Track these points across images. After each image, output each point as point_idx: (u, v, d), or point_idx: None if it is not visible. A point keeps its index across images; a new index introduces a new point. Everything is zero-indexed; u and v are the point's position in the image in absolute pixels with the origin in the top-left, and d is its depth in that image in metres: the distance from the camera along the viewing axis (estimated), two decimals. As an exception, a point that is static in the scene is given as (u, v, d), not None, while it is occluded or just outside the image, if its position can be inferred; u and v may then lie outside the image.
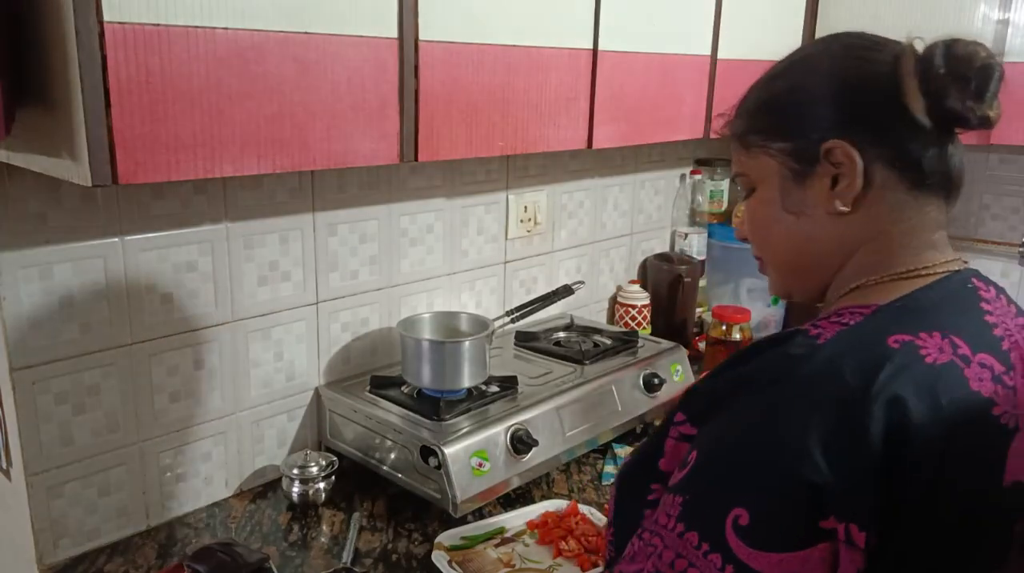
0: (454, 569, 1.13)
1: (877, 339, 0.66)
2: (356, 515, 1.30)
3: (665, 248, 2.23)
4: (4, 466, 1.19)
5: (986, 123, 0.71)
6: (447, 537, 1.21)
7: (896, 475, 0.61)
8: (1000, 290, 0.76)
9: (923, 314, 0.69)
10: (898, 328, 0.67)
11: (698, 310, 2.14)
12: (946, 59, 0.70)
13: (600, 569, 1.15)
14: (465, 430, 1.29)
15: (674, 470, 0.70)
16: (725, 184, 2.27)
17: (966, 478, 0.64)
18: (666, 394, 1.63)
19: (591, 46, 1.34)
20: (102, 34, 0.78)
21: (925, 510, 0.62)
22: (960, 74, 0.69)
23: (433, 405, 1.35)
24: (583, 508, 1.29)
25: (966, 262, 0.77)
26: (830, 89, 0.75)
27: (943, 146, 0.73)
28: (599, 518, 1.27)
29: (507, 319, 1.54)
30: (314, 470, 1.32)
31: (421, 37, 1.07)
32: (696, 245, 2.15)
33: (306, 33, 0.95)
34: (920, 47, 0.72)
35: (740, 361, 0.72)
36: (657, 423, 1.63)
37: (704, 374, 0.74)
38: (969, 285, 0.73)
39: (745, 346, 0.73)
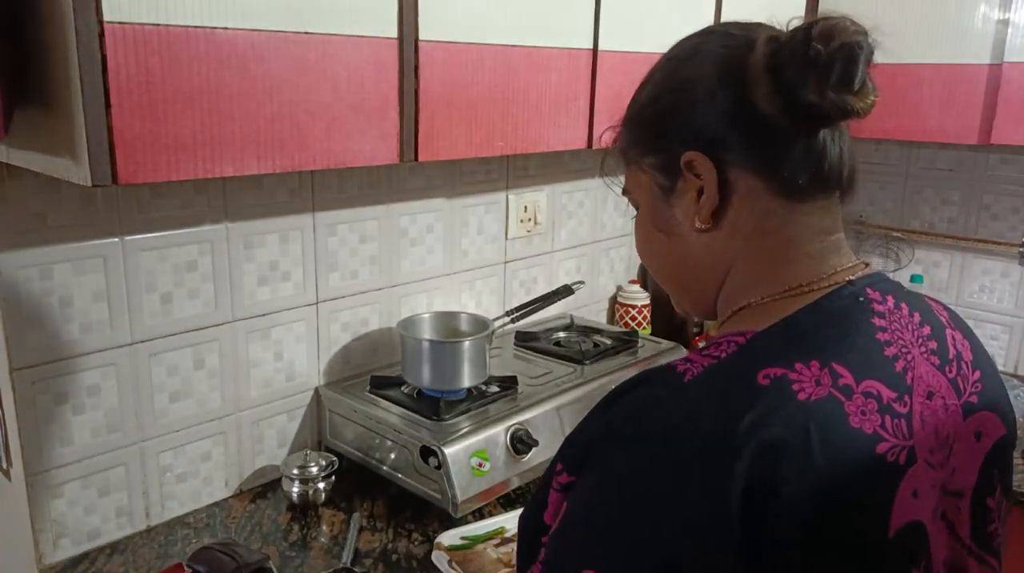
0: (454, 569, 1.13)
1: (745, 376, 0.58)
2: (356, 515, 1.30)
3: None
4: (4, 466, 1.19)
5: (852, 114, 0.61)
6: (447, 537, 1.21)
7: (765, 536, 0.54)
8: (902, 298, 0.67)
9: (801, 340, 0.61)
10: (770, 361, 0.59)
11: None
12: (803, 43, 0.60)
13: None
14: (465, 430, 1.29)
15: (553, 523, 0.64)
16: (725, 184, 2.27)
17: (845, 531, 0.57)
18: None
19: (591, 46, 1.34)
20: (102, 34, 0.78)
21: (797, 559, 0.55)
22: (817, 60, 0.60)
23: (433, 405, 1.35)
24: (583, 508, 1.29)
25: (867, 264, 0.69)
26: (689, 95, 0.67)
27: (812, 144, 0.64)
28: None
29: (507, 319, 1.54)
30: (314, 470, 1.32)
31: (421, 37, 1.07)
32: (696, 245, 2.15)
33: (306, 33, 0.95)
34: (793, 27, 0.64)
35: (608, 405, 0.64)
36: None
37: (583, 418, 0.68)
38: (861, 298, 0.64)
39: (619, 384, 0.67)
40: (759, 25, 0.68)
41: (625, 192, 0.78)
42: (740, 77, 0.64)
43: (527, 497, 1.36)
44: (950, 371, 0.66)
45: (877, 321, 0.63)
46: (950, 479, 0.64)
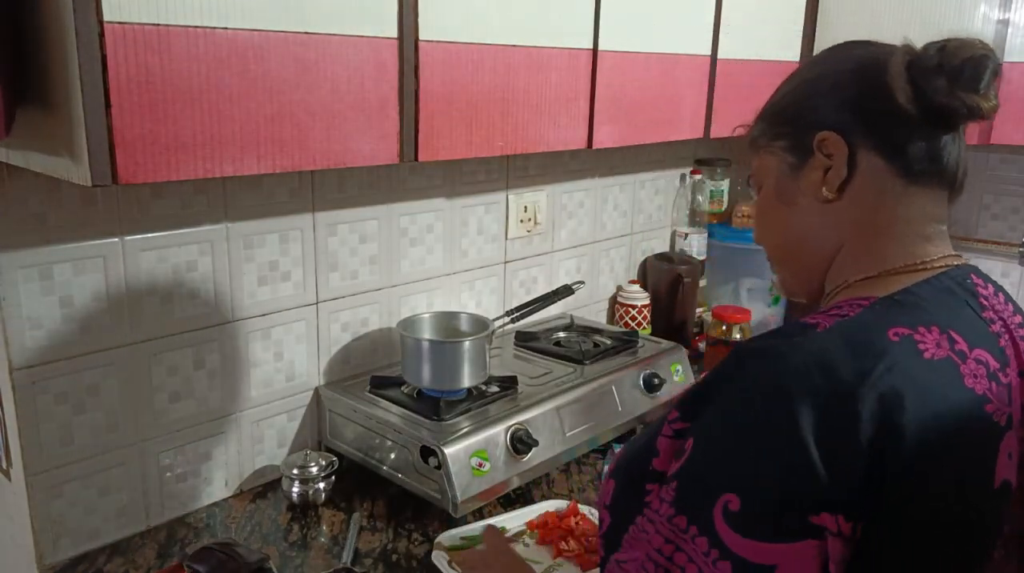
0: (454, 569, 1.13)
1: (876, 331, 0.66)
2: (356, 515, 1.30)
3: (665, 248, 2.23)
4: (4, 466, 1.19)
5: (977, 114, 0.71)
6: (447, 537, 1.21)
7: (886, 469, 0.61)
8: (999, 288, 0.76)
9: (921, 309, 0.69)
10: (897, 321, 0.67)
11: (698, 310, 2.14)
12: (938, 52, 0.70)
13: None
14: (465, 430, 1.29)
15: (668, 467, 0.71)
16: (725, 184, 2.27)
17: (957, 476, 0.64)
18: (666, 394, 1.63)
19: (591, 46, 1.34)
20: (102, 34, 0.78)
21: (913, 505, 0.62)
22: (950, 64, 0.70)
23: (433, 405, 1.35)
24: (583, 508, 1.29)
25: (965, 259, 0.77)
26: (825, 86, 0.77)
27: (935, 138, 0.73)
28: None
29: (507, 319, 1.54)
30: (314, 470, 1.32)
31: (421, 37, 1.07)
32: (696, 245, 2.15)
33: (306, 33, 0.95)
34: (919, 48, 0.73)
35: (735, 354, 0.72)
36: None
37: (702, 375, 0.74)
38: (967, 281, 0.73)
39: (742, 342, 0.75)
40: (888, 43, 0.78)
41: (750, 177, 0.87)
42: (880, 71, 0.73)
43: (527, 497, 1.37)
44: None
45: (982, 301, 0.72)
46: None
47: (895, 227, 0.75)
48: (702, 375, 0.75)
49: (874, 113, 0.74)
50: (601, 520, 0.79)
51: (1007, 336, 0.72)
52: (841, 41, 0.83)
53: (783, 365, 0.66)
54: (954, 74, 0.69)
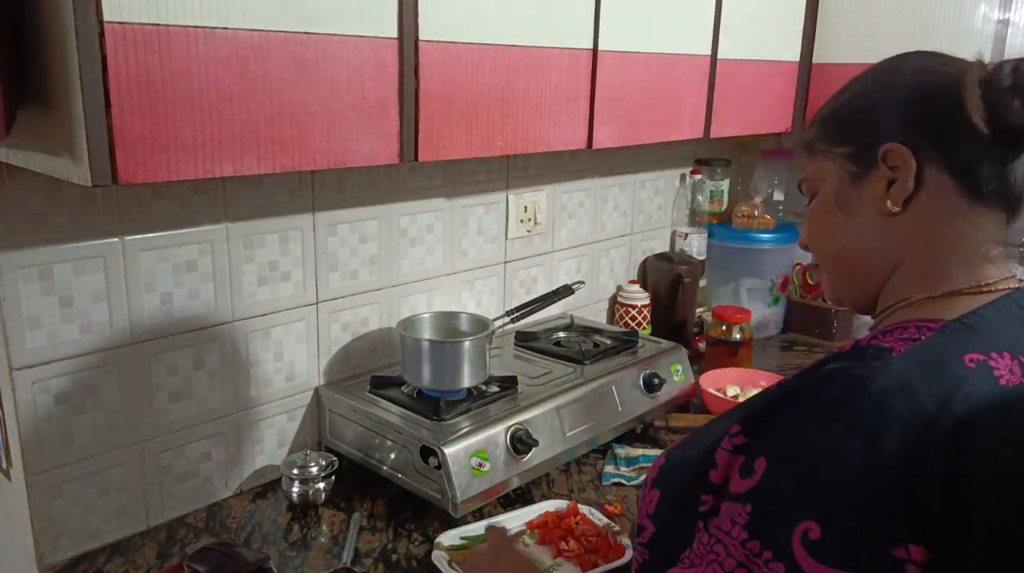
0: (454, 569, 1.13)
1: (952, 357, 0.66)
2: (356, 515, 1.30)
3: (665, 248, 2.23)
4: (4, 466, 1.19)
5: None
6: (447, 537, 1.21)
7: (965, 498, 0.60)
8: None
9: (991, 333, 0.69)
10: (970, 346, 0.67)
11: (698, 310, 2.14)
12: (1014, 73, 0.69)
13: (601, 569, 1.15)
14: (465, 430, 1.29)
15: (726, 480, 0.70)
16: (725, 184, 2.27)
17: None
18: (666, 394, 1.63)
19: (591, 46, 1.34)
20: (102, 34, 0.78)
21: (990, 533, 0.62)
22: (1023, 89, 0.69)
23: (433, 405, 1.35)
24: (583, 508, 1.29)
25: (1022, 281, 0.76)
26: (893, 98, 0.76)
27: (1003, 159, 0.73)
28: (599, 518, 1.27)
29: (507, 319, 1.54)
30: (314, 470, 1.32)
31: (421, 37, 1.07)
32: (696, 245, 2.15)
33: (306, 33, 0.95)
34: (992, 65, 0.72)
35: (803, 374, 0.71)
36: (656, 424, 1.63)
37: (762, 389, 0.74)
38: None
39: (812, 363, 0.74)
40: (956, 57, 0.77)
41: (803, 181, 0.85)
42: (954, 87, 0.71)
43: (527, 497, 1.37)
44: None
45: None
46: None
47: (959, 246, 0.74)
48: (766, 389, 0.74)
49: (945, 130, 0.73)
50: (643, 527, 0.78)
51: None
52: (904, 52, 0.81)
53: (861, 390, 0.64)
54: None
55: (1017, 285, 0.74)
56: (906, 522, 0.60)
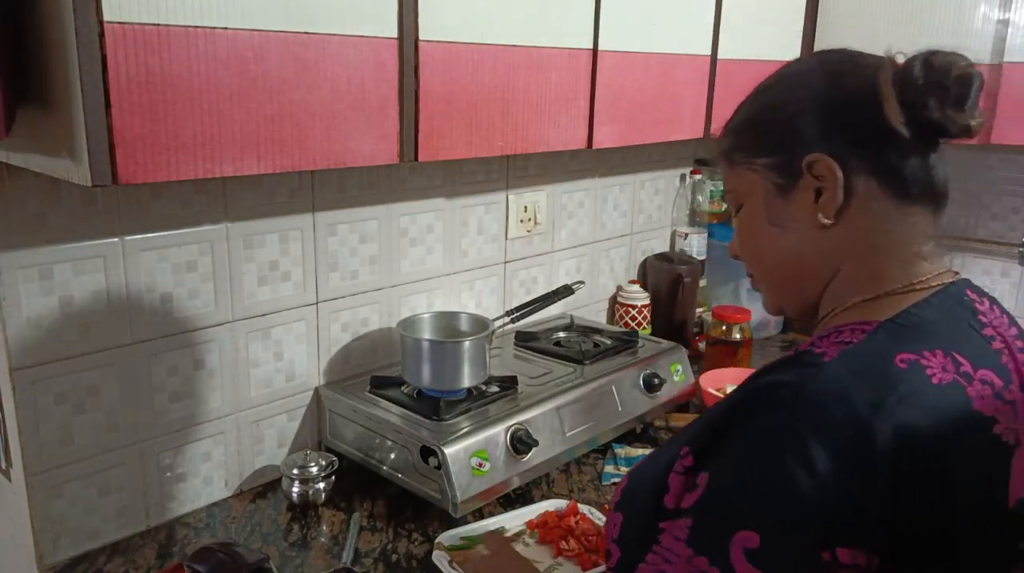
0: (454, 569, 1.13)
1: (884, 359, 0.66)
2: (356, 515, 1.30)
3: (665, 248, 2.23)
4: (4, 466, 1.19)
5: (967, 132, 0.71)
6: (447, 537, 1.21)
7: (902, 500, 0.61)
8: (993, 300, 0.76)
9: (924, 331, 0.69)
10: (902, 347, 0.67)
11: (698, 310, 2.14)
12: (925, 69, 0.70)
13: (601, 569, 1.15)
14: (465, 430, 1.29)
15: (679, 502, 0.70)
16: (725, 184, 2.27)
17: (972, 500, 0.64)
18: (666, 394, 1.63)
19: (591, 46, 1.34)
20: (102, 34, 0.78)
21: (930, 532, 0.62)
22: (938, 83, 0.69)
23: (433, 405, 1.35)
24: (583, 508, 1.29)
25: (957, 272, 0.76)
26: (811, 104, 0.75)
27: (925, 156, 0.73)
28: (599, 518, 1.27)
29: (507, 319, 1.54)
30: (314, 470, 1.32)
31: (421, 37, 1.07)
32: (696, 245, 2.15)
33: (306, 33, 0.95)
34: (900, 60, 0.73)
35: (744, 386, 0.72)
36: (656, 423, 1.63)
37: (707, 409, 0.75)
38: (964, 298, 0.73)
39: (752, 374, 0.74)
40: (870, 54, 0.77)
41: (726, 193, 0.85)
42: (870, 90, 0.71)
43: (527, 497, 1.37)
44: None
45: (981, 318, 0.72)
46: None
47: (893, 248, 0.74)
48: (713, 408, 0.75)
49: (868, 136, 0.73)
50: (609, 552, 0.78)
51: (1007, 351, 0.71)
52: (822, 48, 0.81)
53: (797, 400, 0.65)
54: (943, 93, 0.69)
55: (952, 279, 0.75)
56: (844, 529, 0.60)
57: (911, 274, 0.74)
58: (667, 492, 0.71)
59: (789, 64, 0.83)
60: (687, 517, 0.67)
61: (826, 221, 0.74)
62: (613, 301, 2.09)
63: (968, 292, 0.74)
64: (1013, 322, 0.76)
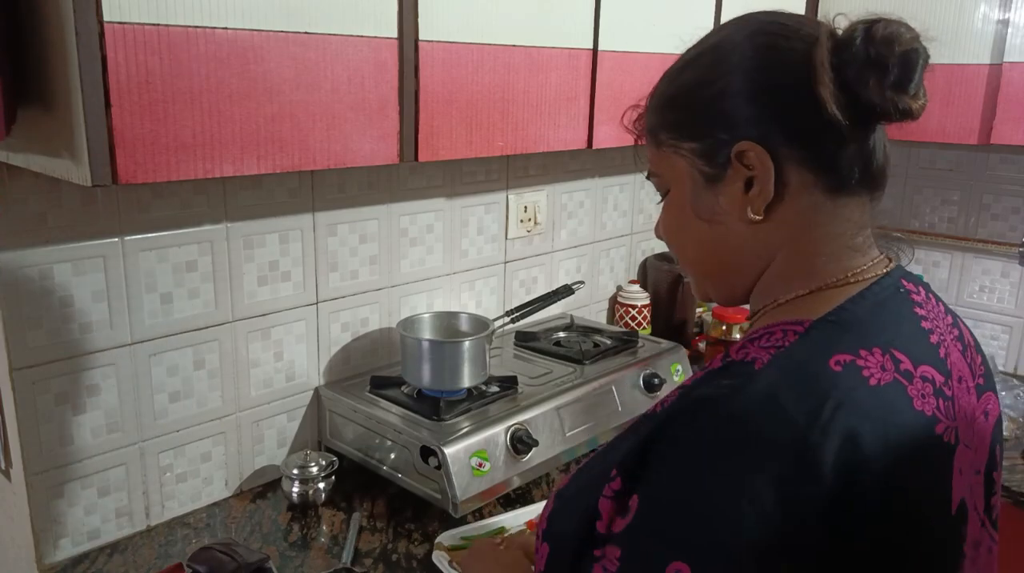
0: (454, 569, 1.13)
1: (817, 363, 0.61)
2: (356, 515, 1.30)
3: (665, 248, 2.23)
4: (4, 466, 1.19)
5: (908, 115, 0.64)
6: (447, 537, 1.21)
7: (845, 509, 0.57)
8: (928, 289, 0.72)
9: (860, 329, 0.64)
10: (837, 347, 0.62)
11: (698, 310, 2.14)
12: (865, 44, 0.62)
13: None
14: (465, 430, 1.29)
15: (610, 526, 0.65)
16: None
17: (916, 507, 0.61)
18: (666, 394, 1.62)
19: (591, 46, 1.34)
20: (102, 34, 0.78)
21: (876, 539, 0.58)
22: (879, 62, 0.62)
23: (433, 405, 1.35)
24: (583, 508, 1.29)
25: (891, 259, 0.72)
26: (741, 82, 0.67)
27: (863, 141, 0.67)
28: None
29: (507, 319, 1.54)
30: (314, 470, 1.32)
31: (421, 37, 1.07)
32: (696, 245, 2.15)
33: (306, 33, 0.95)
34: (842, 24, 0.66)
35: (674, 402, 0.66)
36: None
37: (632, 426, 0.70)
38: (901, 289, 0.69)
39: (682, 389, 0.68)
40: (810, 18, 0.69)
41: (651, 175, 0.78)
42: (801, 71, 0.64)
43: (527, 497, 1.37)
44: (967, 356, 0.71)
45: (918, 310, 0.68)
46: (975, 458, 0.68)
47: (827, 242, 0.68)
48: (643, 421, 0.69)
49: (801, 122, 0.65)
50: None
51: (944, 342, 0.68)
52: (742, 16, 0.72)
53: (726, 418, 0.60)
54: (884, 72, 0.62)
55: (886, 269, 0.69)
56: (785, 548, 0.56)
57: (844, 267, 0.68)
58: (599, 518, 0.65)
59: (720, 28, 0.74)
60: (616, 546, 0.62)
61: (756, 218, 0.68)
62: (613, 301, 2.09)
63: (904, 282, 0.69)
64: (948, 311, 0.72)
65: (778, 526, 0.56)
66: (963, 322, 0.75)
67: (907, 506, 0.60)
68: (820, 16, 0.66)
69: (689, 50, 0.75)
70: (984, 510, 0.70)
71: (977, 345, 0.75)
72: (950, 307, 0.75)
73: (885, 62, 0.62)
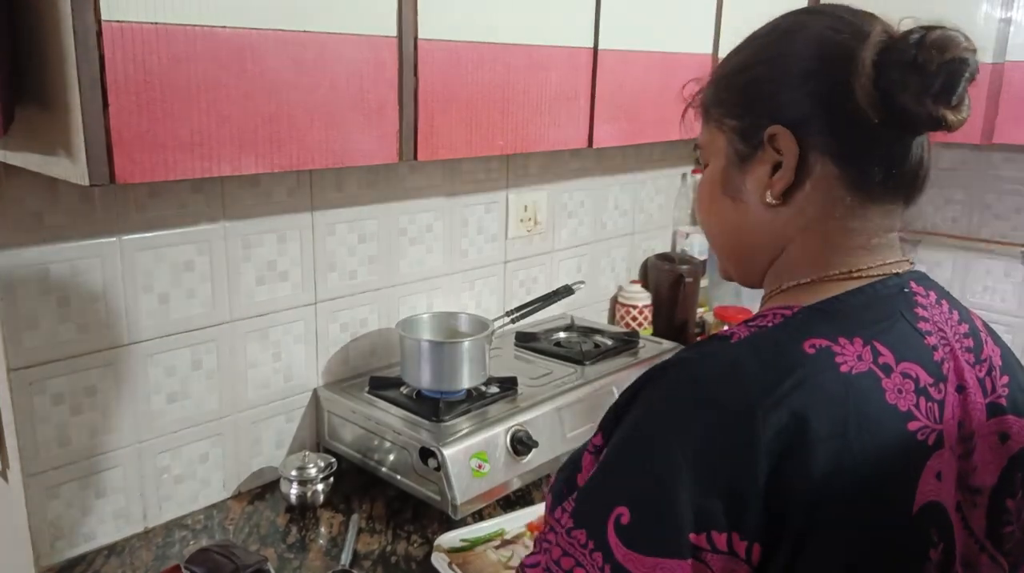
0: (454, 571, 1.13)
1: (791, 343, 0.62)
2: (355, 517, 1.29)
3: (666, 248, 2.23)
4: (1, 468, 1.18)
5: (942, 125, 0.63)
6: (447, 539, 1.20)
7: (788, 490, 0.57)
8: (943, 294, 0.71)
9: (845, 319, 0.65)
10: (815, 332, 0.63)
11: (699, 310, 2.13)
12: (914, 47, 0.62)
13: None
14: (465, 431, 1.28)
15: None
16: (726, 184, 2.27)
17: (868, 499, 0.60)
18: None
19: (591, 45, 1.33)
20: (100, 33, 0.78)
21: (819, 528, 0.58)
22: (922, 67, 0.62)
23: (432, 406, 1.34)
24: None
25: (912, 263, 0.72)
26: (786, 70, 0.69)
27: (893, 142, 0.67)
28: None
29: (507, 319, 1.53)
30: (312, 471, 1.32)
31: (420, 35, 1.07)
32: (697, 245, 2.15)
33: (304, 32, 0.94)
34: (908, 27, 0.65)
35: (652, 369, 0.68)
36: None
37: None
38: (906, 290, 0.68)
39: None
40: (872, 16, 0.69)
41: (697, 147, 0.80)
42: (845, 65, 0.64)
43: (527, 499, 1.36)
44: (980, 370, 0.69)
45: (919, 311, 0.68)
46: (971, 474, 0.67)
47: (843, 238, 0.69)
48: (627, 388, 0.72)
49: (832, 112, 0.66)
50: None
51: (947, 348, 0.67)
52: (807, 7, 0.74)
53: (684, 376, 0.63)
54: (928, 79, 0.62)
55: (900, 270, 0.69)
56: (717, 513, 0.57)
57: (851, 263, 0.69)
58: (580, 471, 0.70)
59: (781, 17, 0.76)
60: (575, 492, 0.66)
61: (774, 201, 0.69)
62: (614, 301, 2.09)
63: (912, 284, 0.69)
64: (964, 319, 0.71)
65: (709, 487, 0.57)
66: (992, 341, 0.73)
67: (854, 496, 0.59)
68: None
69: (757, 30, 0.78)
70: (986, 535, 0.68)
71: (1006, 366, 0.72)
72: (981, 322, 0.73)
73: (927, 68, 0.62)
